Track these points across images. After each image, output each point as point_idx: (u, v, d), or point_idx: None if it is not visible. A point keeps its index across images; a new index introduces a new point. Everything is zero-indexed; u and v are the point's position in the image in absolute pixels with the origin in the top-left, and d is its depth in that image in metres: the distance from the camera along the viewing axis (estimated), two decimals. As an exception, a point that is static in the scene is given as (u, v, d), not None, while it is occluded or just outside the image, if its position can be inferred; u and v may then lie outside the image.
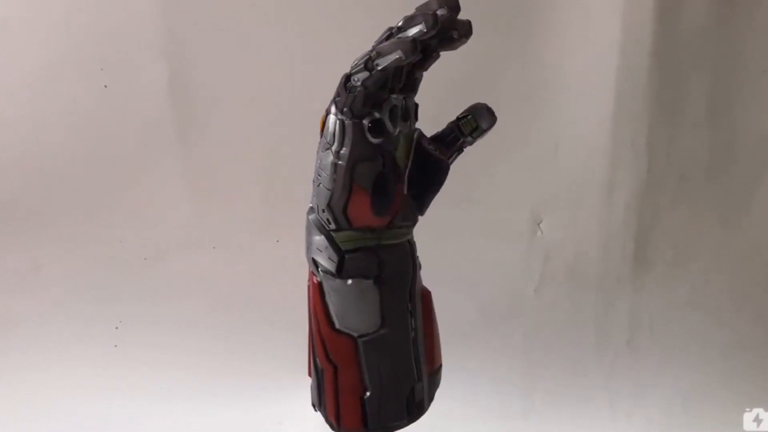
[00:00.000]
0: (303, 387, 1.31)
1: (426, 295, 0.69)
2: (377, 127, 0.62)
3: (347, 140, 0.61)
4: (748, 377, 1.33)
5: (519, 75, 1.28)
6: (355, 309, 0.66)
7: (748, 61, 1.29)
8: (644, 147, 1.30)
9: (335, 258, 0.65)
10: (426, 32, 0.58)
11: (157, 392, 1.31)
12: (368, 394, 0.66)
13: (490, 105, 0.68)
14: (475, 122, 0.67)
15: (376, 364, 0.66)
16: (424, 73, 0.65)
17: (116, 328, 1.36)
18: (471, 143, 0.68)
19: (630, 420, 1.32)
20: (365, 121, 0.61)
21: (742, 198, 1.35)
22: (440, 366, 0.71)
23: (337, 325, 0.66)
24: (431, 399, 0.70)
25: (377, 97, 0.61)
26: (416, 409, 0.68)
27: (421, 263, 0.69)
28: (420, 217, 0.68)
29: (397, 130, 0.64)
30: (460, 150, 0.69)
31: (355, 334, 0.66)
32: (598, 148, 1.31)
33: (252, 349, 1.35)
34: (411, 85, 0.64)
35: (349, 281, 0.65)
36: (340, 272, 0.65)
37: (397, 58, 0.58)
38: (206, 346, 1.35)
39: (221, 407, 1.30)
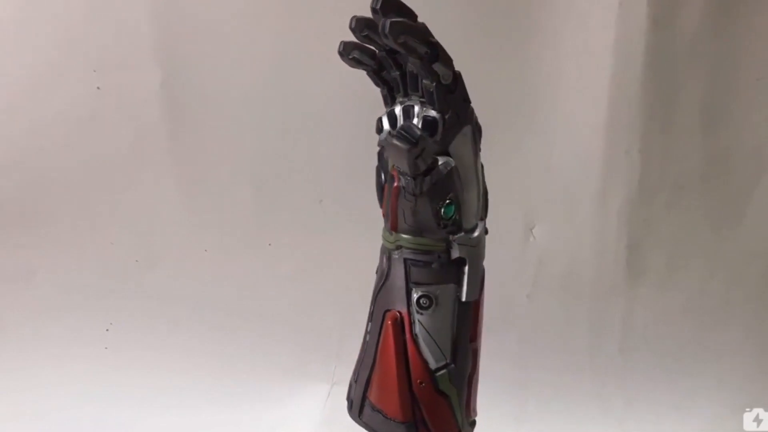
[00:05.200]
0: (296, 391, 1.32)
1: (386, 319, 0.66)
2: (377, 125, 0.67)
3: None
4: (747, 377, 1.33)
5: (514, 83, 1.28)
6: None
7: (742, 70, 1.29)
8: (638, 155, 1.31)
9: None
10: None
11: (148, 395, 1.30)
12: None
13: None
14: None
15: None
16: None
17: (107, 330, 1.35)
18: (403, 175, 0.62)
19: (622, 426, 1.32)
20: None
21: (736, 206, 1.35)
22: (378, 409, 0.67)
23: None
24: (363, 420, 0.68)
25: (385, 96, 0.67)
26: (349, 401, 0.70)
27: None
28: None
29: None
30: (405, 177, 0.62)
31: None
32: (592, 155, 1.31)
33: (244, 353, 1.35)
34: (423, 94, 0.64)
35: None
36: None
37: None
38: (198, 349, 1.35)
39: (213, 410, 1.30)
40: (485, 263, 0.69)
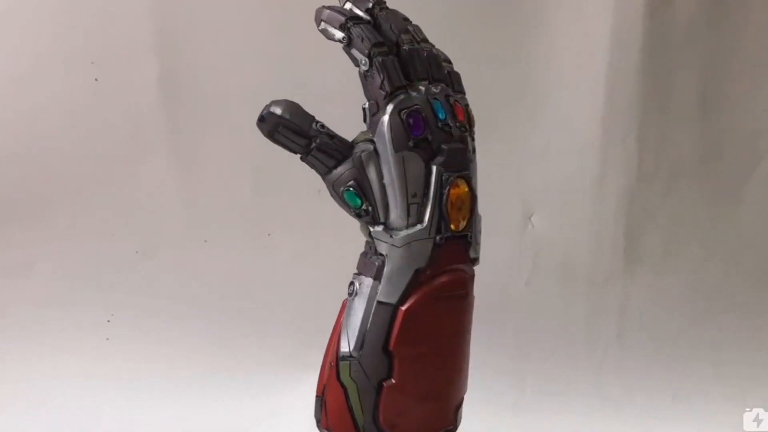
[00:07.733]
0: (295, 380, 1.33)
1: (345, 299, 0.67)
2: None
3: None
4: (747, 376, 1.33)
5: (511, 72, 1.28)
6: None
7: (738, 57, 1.29)
8: (635, 143, 1.31)
9: None
10: None
11: (149, 385, 1.31)
12: None
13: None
14: None
15: None
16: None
17: (108, 321, 1.35)
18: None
19: (620, 413, 1.33)
20: None
21: (733, 192, 1.35)
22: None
23: None
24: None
25: None
26: None
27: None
28: None
29: None
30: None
31: None
32: (589, 143, 1.31)
33: (244, 342, 1.35)
34: None
35: None
36: None
37: None
38: (198, 339, 1.35)
39: (213, 400, 1.30)
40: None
